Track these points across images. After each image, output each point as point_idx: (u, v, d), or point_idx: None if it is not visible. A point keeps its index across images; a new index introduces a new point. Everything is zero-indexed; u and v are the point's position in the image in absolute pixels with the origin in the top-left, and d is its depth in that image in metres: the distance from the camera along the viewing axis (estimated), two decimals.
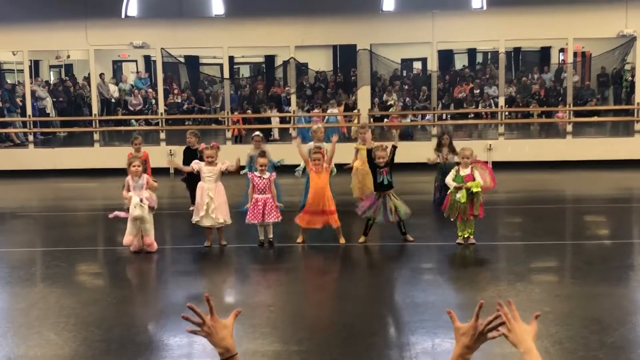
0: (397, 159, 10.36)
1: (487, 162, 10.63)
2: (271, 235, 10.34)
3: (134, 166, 10.06)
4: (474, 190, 9.80)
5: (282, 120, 20.66)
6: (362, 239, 10.36)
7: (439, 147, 12.81)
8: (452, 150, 12.59)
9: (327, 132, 17.86)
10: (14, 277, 9.21)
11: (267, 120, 20.57)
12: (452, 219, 10.10)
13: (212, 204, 10.05)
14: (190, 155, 12.69)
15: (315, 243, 10.42)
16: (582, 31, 18.37)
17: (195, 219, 10.19)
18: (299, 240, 10.43)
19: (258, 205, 10.19)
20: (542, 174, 17.09)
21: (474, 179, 9.87)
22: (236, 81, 25.30)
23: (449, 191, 10.11)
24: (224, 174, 10.38)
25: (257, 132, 12.67)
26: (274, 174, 10.44)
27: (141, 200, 9.87)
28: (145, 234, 10.00)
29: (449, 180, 10.07)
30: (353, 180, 12.70)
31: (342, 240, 10.37)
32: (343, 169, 12.58)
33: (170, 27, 18.66)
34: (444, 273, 9.25)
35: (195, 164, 10.38)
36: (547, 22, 18.06)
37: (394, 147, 10.33)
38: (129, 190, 10.06)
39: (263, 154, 10.56)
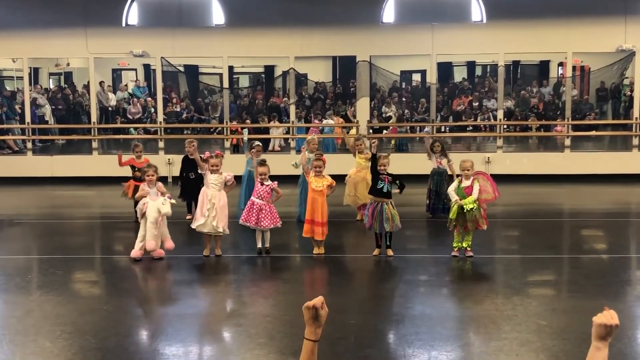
0: (394, 170, 10.35)
1: (484, 172, 10.59)
2: (267, 244, 10.38)
3: (148, 175, 10.20)
4: (467, 207, 9.83)
5: (282, 130, 20.69)
6: (376, 252, 10.33)
7: (432, 152, 12.94)
8: (445, 155, 12.75)
9: (324, 143, 18.00)
10: (10, 285, 9.19)
11: (266, 131, 20.60)
12: (450, 229, 10.13)
13: (212, 211, 10.08)
14: (189, 164, 12.71)
15: (312, 254, 10.41)
16: (581, 45, 18.44)
17: (195, 224, 10.20)
18: (321, 251, 10.39)
19: (253, 208, 10.23)
20: (540, 187, 17.11)
21: (472, 191, 9.90)
22: (235, 91, 25.32)
23: (451, 203, 10.15)
24: (227, 185, 10.39)
25: (257, 142, 12.70)
26: (275, 183, 10.41)
27: (170, 198, 9.97)
28: (151, 239, 10.04)
29: (451, 191, 10.09)
30: (347, 188, 12.73)
31: (321, 251, 10.37)
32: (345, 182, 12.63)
33: (170, 36, 18.70)
34: (440, 285, 9.23)
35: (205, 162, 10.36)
36: (547, 36, 18.12)
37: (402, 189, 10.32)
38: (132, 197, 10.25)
39: (263, 162, 10.56)
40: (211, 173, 10.22)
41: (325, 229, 10.35)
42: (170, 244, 10.15)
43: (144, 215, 10.07)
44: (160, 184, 10.40)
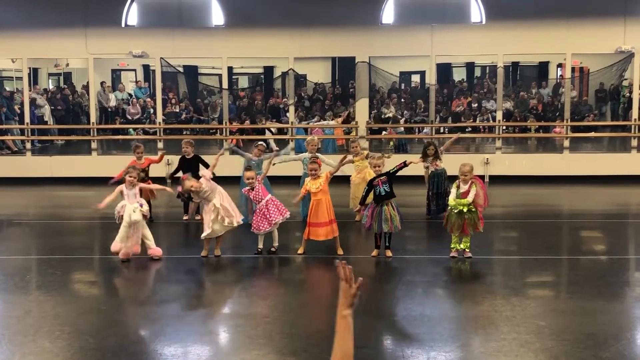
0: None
1: (482, 179, 10.55)
2: (276, 243, 10.47)
3: (130, 176, 10.20)
4: (460, 208, 9.84)
5: (280, 131, 20.71)
6: (375, 252, 10.33)
7: (424, 157, 12.93)
8: (437, 157, 12.74)
9: (324, 143, 18.00)
10: (9, 285, 9.19)
11: (265, 131, 20.60)
12: (448, 231, 10.16)
13: (220, 213, 10.07)
14: (186, 164, 12.74)
15: (312, 254, 10.42)
16: (580, 47, 18.45)
17: (205, 235, 10.20)
18: (300, 251, 10.46)
19: (261, 213, 10.29)
20: (538, 188, 17.11)
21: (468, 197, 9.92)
22: (234, 92, 25.34)
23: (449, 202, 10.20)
24: (214, 178, 10.36)
25: (261, 142, 12.77)
26: (258, 177, 10.48)
27: (141, 206, 10.02)
28: (147, 242, 10.15)
29: (451, 196, 10.08)
30: (351, 191, 12.83)
31: (340, 251, 10.40)
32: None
33: (169, 37, 18.70)
34: (439, 286, 9.24)
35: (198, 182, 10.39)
36: (546, 37, 18.14)
37: (404, 164, 10.22)
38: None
39: (249, 168, 10.66)
40: (197, 193, 10.19)
41: (335, 227, 10.37)
42: (152, 250, 10.22)
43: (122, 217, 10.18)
44: (141, 185, 10.45)
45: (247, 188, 10.38)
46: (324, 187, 10.35)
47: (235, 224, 10.24)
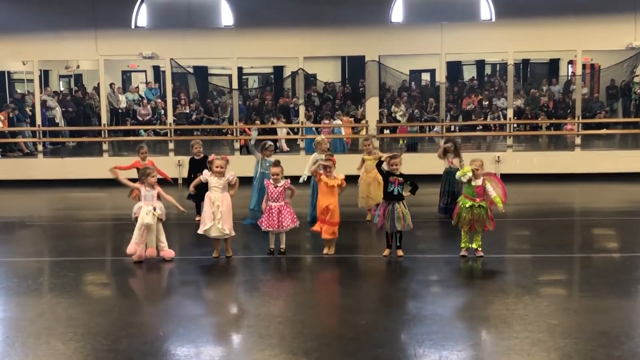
0: (404, 170, 10.32)
1: (496, 174, 10.56)
2: (283, 246, 10.44)
3: (152, 177, 10.26)
4: (476, 204, 9.87)
5: (290, 131, 20.72)
6: (386, 252, 10.32)
7: (444, 154, 12.92)
8: (457, 155, 12.71)
9: (333, 143, 17.97)
10: (23, 287, 9.23)
11: (275, 131, 20.62)
12: (459, 227, 10.14)
13: (217, 214, 10.09)
14: (196, 165, 12.74)
15: (322, 255, 10.42)
16: (591, 43, 18.40)
17: (202, 229, 10.23)
18: (325, 251, 10.46)
19: (272, 212, 10.27)
20: (550, 186, 17.07)
21: (484, 191, 9.90)
22: (245, 92, 25.36)
23: (459, 199, 10.18)
24: (230, 185, 10.38)
25: (270, 143, 12.77)
26: (287, 181, 10.44)
27: (154, 209, 10.04)
28: (160, 244, 10.19)
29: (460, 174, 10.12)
30: (359, 190, 12.80)
31: (331, 251, 10.40)
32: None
33: (179, 38, 18.75)
34: (451, 285, 9.21)
35: (207, 173, 10.40)
36: (556, 34, 18.10)
37: (414, 190, 10.26)
38: (139, 199, 10.42)
39: (277, 163, 10.63)
40: (214, 175, 10.21)
41: (336, 229, 10.36)
42: (165, 252, 10.27)
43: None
44: (159, 189, 10.44)
45: (271, 181, 10.38)
46: (334, 186, 10.34)
47: (227, 232, 10.23)
